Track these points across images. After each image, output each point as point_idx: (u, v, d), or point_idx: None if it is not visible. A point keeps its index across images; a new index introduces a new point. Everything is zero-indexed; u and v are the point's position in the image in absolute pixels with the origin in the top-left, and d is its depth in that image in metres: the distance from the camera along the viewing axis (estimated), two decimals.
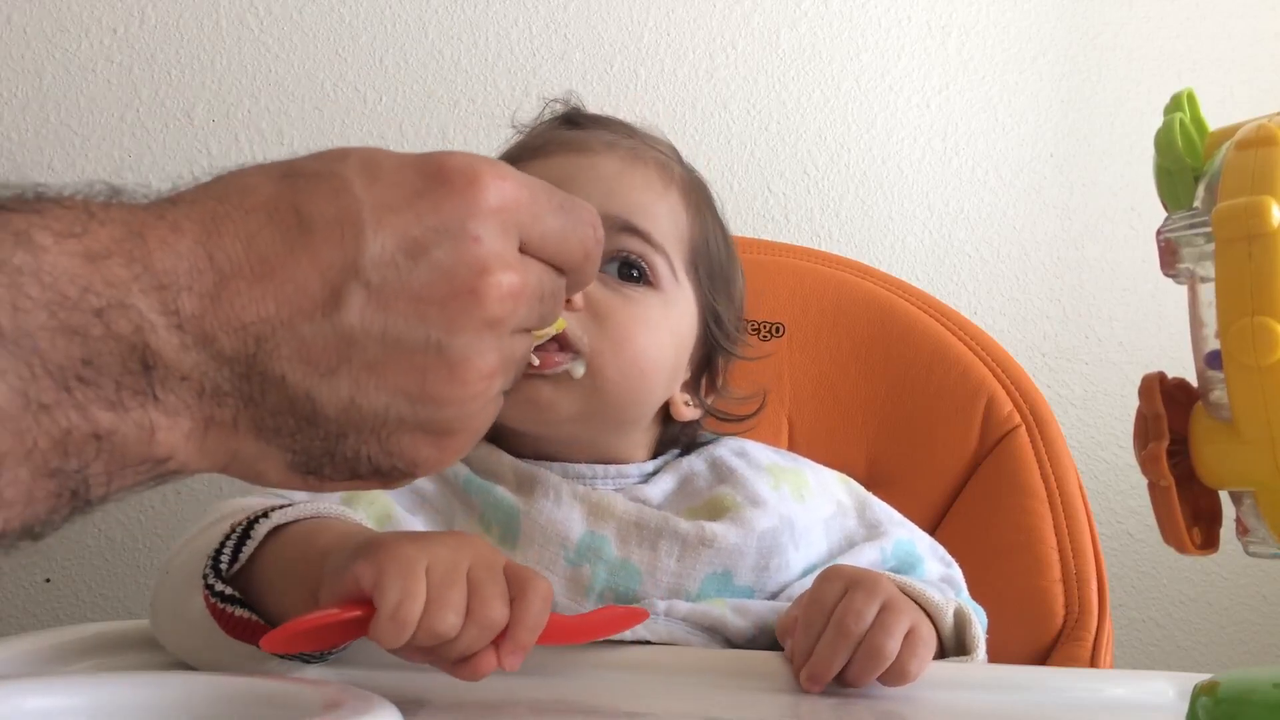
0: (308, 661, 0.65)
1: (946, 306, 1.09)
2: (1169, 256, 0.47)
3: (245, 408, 0.43)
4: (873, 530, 0.86)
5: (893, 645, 0.66)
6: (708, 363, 0.88)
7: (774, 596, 0.80)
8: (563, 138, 0.86)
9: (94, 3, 1.30)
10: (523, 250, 0.47)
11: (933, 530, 0.98)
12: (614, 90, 1.34)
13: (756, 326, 1.05)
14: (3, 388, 0.38)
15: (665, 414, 0.86)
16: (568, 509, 0.78)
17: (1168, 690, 0.68)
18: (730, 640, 0.76)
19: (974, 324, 1.08)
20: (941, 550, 0.88)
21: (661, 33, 1.36)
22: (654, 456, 0.86)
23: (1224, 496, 0.48)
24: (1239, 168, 0.44)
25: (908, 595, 0.71)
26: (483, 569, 0.56)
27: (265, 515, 0.65)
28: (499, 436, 0.82)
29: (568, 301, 0.52)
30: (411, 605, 0.53)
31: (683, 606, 0.76)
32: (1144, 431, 0.48)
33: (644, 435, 0.86)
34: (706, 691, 0.68)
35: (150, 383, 0.41)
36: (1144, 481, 0.48)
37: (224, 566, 0.64)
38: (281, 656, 0.63)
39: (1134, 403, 0.49)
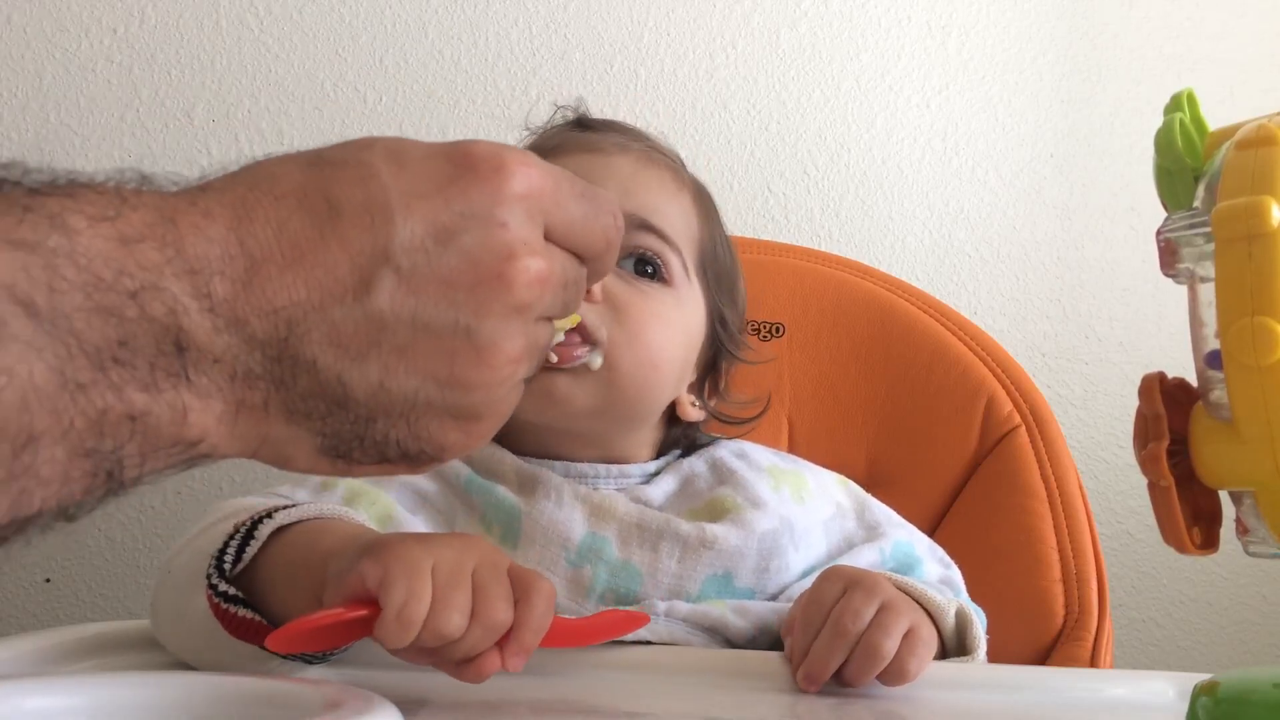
0: (310, 662, 0.65)
1: (946, 306, 1.09)
2: (1169, 256, 0.47)
3: (276, 391, 0.44)
4: (872, 532, 0.86)
5: (890, 645, 0.66)
6: (713, 365, 0.89)
7: (774, 598, 0.80)
8: (576, 139, 0.86)
9: (94, 3, 1.30)
10: (547, 238, 0.48)
11: (933, 530, 0.98)
12: (614, 90, 1.35)
13: (756, 326, 1.05)
14: (40, 366, 0.38)
15: (670, 415, 0.87)
16: (569, 510, 0.78)
17: (1168, 690, 0.68)
18: (730, 641, 0.76)
19: (974, 324, 1.08)
20: (940, 552, 0.88)
21: (661, 33, 1.36)
22: (656, 457, 0.87)
23: (1224, 496, 0.48)
24: (1239, 168, 0.44)
25: (909, 595, 0.71)
26: (487, 570, 0.56)
27: (269, 516, 0.65)
28: (505, 432, 0.82)
29: (587, 293, 0.52)
30: (417, 606, 0.53)
31: (683, 607, 0.76)
32: (1144, 431, 0.48)
33: (650, 434, 0.86)
34: (706, 691, 0.68)
35: (183, 365, 0.41)
36: (1144, 481, 0.48)
37: (228, 567, 0.64)
38: (284, 657, 0.63)
39: (1134, 403, 0.49)
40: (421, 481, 0.80)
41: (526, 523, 0.78)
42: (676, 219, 0.84)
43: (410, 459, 0.48)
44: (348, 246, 0.44)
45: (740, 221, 1.31)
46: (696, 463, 0.85)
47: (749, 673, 0.70)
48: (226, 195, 0.43)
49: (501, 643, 0.56)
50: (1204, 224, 0.45)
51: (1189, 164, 0.48)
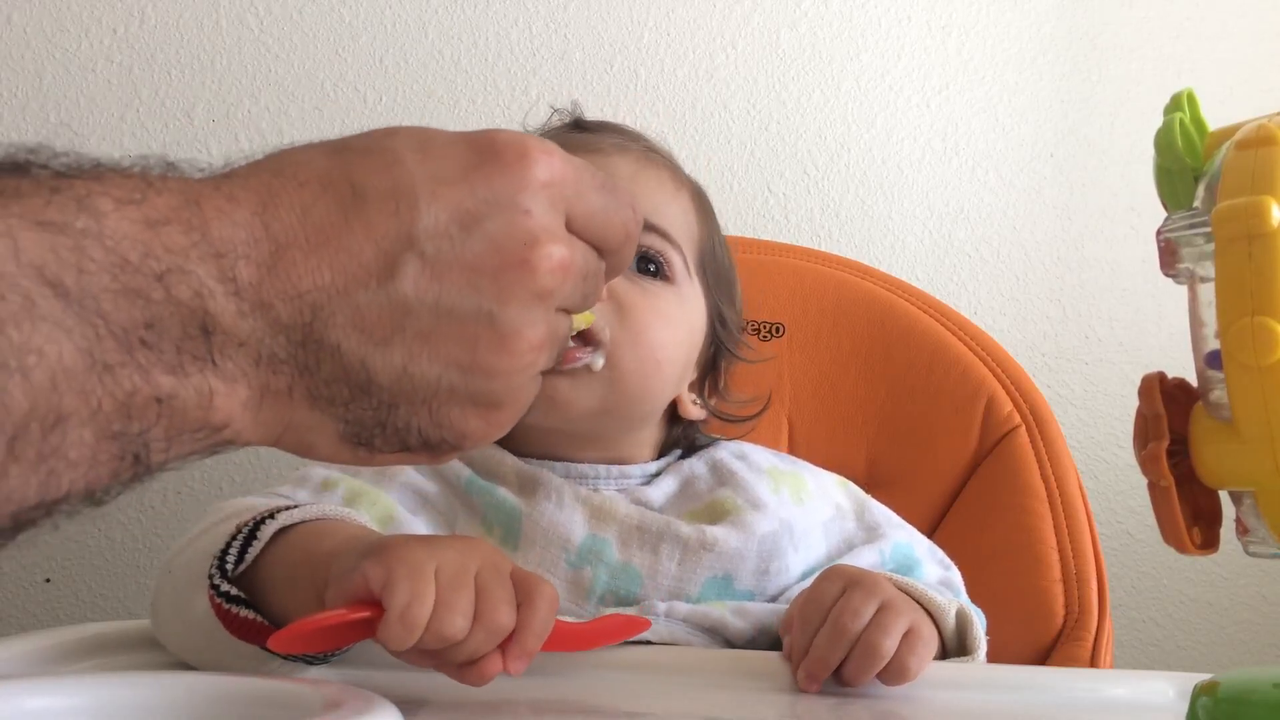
0: (311, 663, 0.65)
1: (946, 306, 1.09)
2: (1169, 256, 0.47)
3: (300, 376, 0.44)
4: (871, 533, 0.86)
5: (889, 644, 0.66)
6: (713, 364, 0.89)
7: (773, 600, 0.80)
8: (575, 140, 0.86)
9: (94, 3, 1.30)
10: (567, 227, 0.48)
11: (932, 530, 0.98)
12: (614, 90, 1.35)
13: (756, 326, 1.05)
14: (69, 346, 0.38)
15: (671, 414, 0.87)
16: (570, 511, 0.78)
17: (1168, 690, 0.68)
18: (730, 641, 0.76)
19: (974, 324, 1.08)
20: (940, 553, 0.88)
21: (661, 33, 1.36)
22: (657, 458, 0.87)
23: (1224, 496, 0.48)
24: (1239, 168, 0.44)
25: (909, 595, 0.71)
26: (490, 573, 0.56)
27: (271, 516, 0.65)
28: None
29: None
30: (420, 607, 0.53)
31: (683, 607, 0.76)
32: (1144, 431, 0.48)
33: (651, 434, 0.86)
34: (706, 691, 0.68)
35: (209, 348, 0.41)
36: (1144, 481, 0.48)
37: (230, 567, 0.64)
38: (285, 657, 0.63)
39: (1134, 403, 0.49)
40: (422, 482, 0.80)
41: (527, 524, 0.78)
42: (677, 218, 0.84)
43: (431, 447, 0.48)
44: (372, 231, 0.44)
45: (740, 221, 1.31)
46: (697, 464, 0.85)
47: (749, 673, 0.70)
48: (251, 181, 0.43)
49: (503, 646, 0.56)
50: (1204, 224, 0.45)
51: (1189, 164, 0.48)
